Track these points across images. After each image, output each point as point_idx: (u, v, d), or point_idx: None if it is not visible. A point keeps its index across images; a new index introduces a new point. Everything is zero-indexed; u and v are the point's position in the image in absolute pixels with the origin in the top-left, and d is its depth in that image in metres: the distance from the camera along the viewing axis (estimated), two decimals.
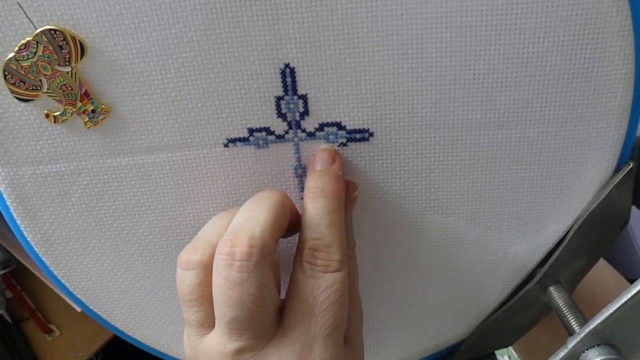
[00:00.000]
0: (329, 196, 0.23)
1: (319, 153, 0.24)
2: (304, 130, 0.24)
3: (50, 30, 0.21)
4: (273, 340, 0.21)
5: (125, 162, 0.24)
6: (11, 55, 0.22)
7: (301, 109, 0.23)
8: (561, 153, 0.24)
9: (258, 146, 0.24)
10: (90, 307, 0.28)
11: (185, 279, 0.22)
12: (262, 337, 0.21)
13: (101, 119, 0.23)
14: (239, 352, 0.21)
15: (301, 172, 0.25)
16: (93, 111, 0.23)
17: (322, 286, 0.21)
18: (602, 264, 0.27)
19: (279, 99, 0.23)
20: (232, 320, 0.20)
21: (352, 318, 0.24)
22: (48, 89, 0.22)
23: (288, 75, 0.23)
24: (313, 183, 0.23)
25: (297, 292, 0.22)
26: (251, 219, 0.21)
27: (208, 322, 0.22)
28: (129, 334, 0.29)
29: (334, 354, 0.22)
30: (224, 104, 0.23)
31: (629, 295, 0.21)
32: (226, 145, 0.24)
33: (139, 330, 0.29)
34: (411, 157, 0.24)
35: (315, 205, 0.22)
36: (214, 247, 0.21)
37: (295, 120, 0.24)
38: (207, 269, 0.21)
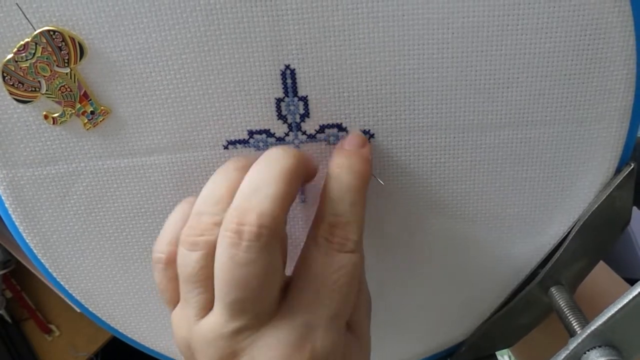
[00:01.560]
0: (356, 175, 0.21)
1: (349, 136, 0.23)
2: (304, 133, 0.24)
3: (49, 31, 0.21)
4: (274, 318, 0.20)
5: (125, 164, 0.24)
6: (10, 56, 0.21)
7: (302, 111, 0.23)
8: (562, 154, 0.24)
9: (258, 148, 0.24)
10: (90, 308, 0.28)
11: (191, 260, 0.20)
12: (263, 316, 0.20)
13: (100, 121, 0.23)
14: (237, 332, 0.20)
15: None
16: (92, 112, 0.23)
17: (334, 266, 0.20)
18: (599, 265, 0.27)
19: (279, 100, 0.23)
20: (235, 301, 0.19)
21: (358, 305, 0.22)
22: (47, 91, 0.22)
23: (288, 76, 0.23)
24: (340, 159, 0.21)
25: (308, 268, 0.20)
26: (260, 190, 0.19)
27: (209, 304, 0.21)
28: (128, 335, 0.29)
29: (335, 339, 0.20)
30: (224, 106, 0.23)
31: (630, 297, 0.21)
32: (226, 147, 0.24)
33: (139, 331, 0.29)
34: (412, 158, 0.24)
35: (340, 181, 0.21)
36: (219, 223, 0.20)
37: (296, 122, 0.24)
38: (213, 249, 0.20)
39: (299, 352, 0.20)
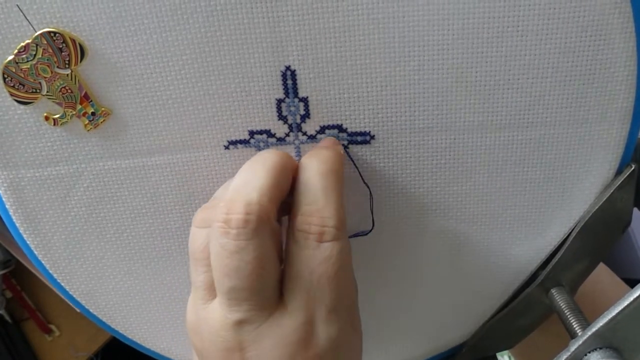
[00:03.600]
0: (323, 160, 0.21)
1: (322, 140, 0.24)
2: (304, 133, 0.24)
3: (49, 32, 0.21)
4: (274, 314, 0.20)
5: (126, 165, 0.24)
6: (10, 57, 0.21)
7: (302, 112, 0.23)
8: (563, 155, 0.24)
9: (259, 148, 0.24)
10: (90, 309, 0.28)
11: (197, 237, 0.21)
12: (262, 309, 0.20)
13: (101, 122, 0.23)
14: (240, 323, 0.20)
15: None
16: (93, 114, 0.23)
17: (317, 258, 0.20)
18: (600, 266, 0.27)
19: (279, 101, 0.23)
20: (231, 290, 0.19)
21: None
22: (48, 92, 0.22)
23: (289, 77, 0.23)
24: (308, 154, 0.22)
25: (292, 264, 0.20)
26: (249, 183, 0.20)
27: (212, 286, 0.21)
28: (129, 336, 0.29)
29: (340, 333, 0.20)
30: (224, 106, 0.23)
31: (631, 298, 0.21)
32: (227, 148, 0.24)
33: (139, 333, 0.29)
34: (413, 159, 0.24)
35: (309, 170, 0.21)
36: None
37: (296, 123, 0.24)
38: None
39: (304, 351, 0.20)
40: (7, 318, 0.75)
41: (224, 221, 0.19)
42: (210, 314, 0.20)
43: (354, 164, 0.24)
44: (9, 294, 0.75)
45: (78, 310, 0.29)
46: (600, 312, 0.21)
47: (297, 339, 0.20)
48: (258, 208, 0.19)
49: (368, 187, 0.25)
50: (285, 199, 0.21)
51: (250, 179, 0.20)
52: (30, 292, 0.76)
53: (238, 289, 0.19)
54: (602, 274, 0.34)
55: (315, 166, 0.21)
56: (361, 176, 0.25)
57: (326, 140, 0.24)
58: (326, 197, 0.20)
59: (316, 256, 0.20)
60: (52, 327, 0.76)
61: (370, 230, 0.25)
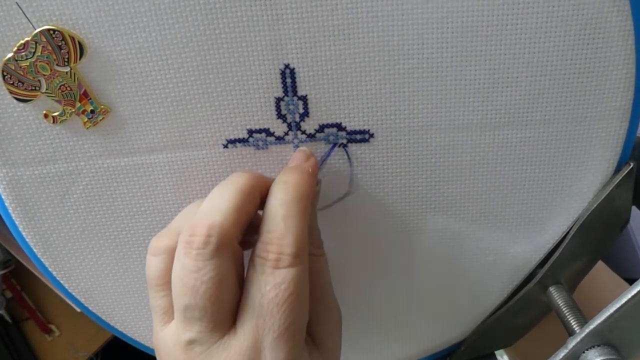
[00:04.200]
0: (288, 188, 0.21)
1: (294, 154, 0.24)
2: (303, 132, 0.24)
3: (49, 30, 0.21)
4: (224, 337, 0.21)
5: (125, 163, 0.24)
6: (10, 55, 0.22)
7: (301, 110, 0.23)
8: (562, 153, 0.24)
9: (258, 147, 0.24)
10: (90, 307, 0.28)
11: (153, 264, 0.22)
12: (214, 330, 0.20)
13: (100, 120, 0.23)
14: (191, 343, 0.20)
15: None
16: (92, 111, 0.23)
17: (270, 283, 0.20)
18: (598, 264, 0.27)
19: (278, 100, 0.23)
20: (186, 308, 0.20)
21: (322, 318, 0.23)
22: (47, 89, 0.22)
23: (288, 76, 0.23)
24: (278, 178, 0.22)
25: (247, 289, 0.21)
26: (214, 206, 0.21)
27: (169, 310, 0.22)
28: (128, 334, 0.29)
29: (287, 357, 0.20)
30: (223, 105, 0.23)
31: (629, 296, 0.21)
32: (226, 146, 0.24)
33: (138, 331, 0.29)
34: (412, 157, 0.24)
35: (274, 197, 0.21)
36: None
37: (295, 122, 0.24)
38: (173, 255, 0.21)
39: None
40: (7, 318, 0.74)
41: (186, 242, 0.20)
42: (167, 334, 0.22)
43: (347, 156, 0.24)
44: (9, 294, 0.75)
45: (78, 310, 0.29)
46: (598, 311, 0.21)
47: None
48: (219, 231, 0.20)
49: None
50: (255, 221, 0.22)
51: (216, 203, 0.21)
52: (30, 292, 0.76)
53: (193, 307, 0.20)
54: (601, 272, 0.34)
55: (279, 194, 0.21)
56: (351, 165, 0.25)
57: (297, 156, 0.24)
58: (286, 225, 0.21)
59: (269, 281, 0.20)
60: (52, 327, 0.76)
61: (347, 193, 0.25)
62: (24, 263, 0.68)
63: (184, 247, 0.20)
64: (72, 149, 0.24)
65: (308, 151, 0.24)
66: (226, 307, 0.21)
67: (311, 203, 0.22)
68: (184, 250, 0.20)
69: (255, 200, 0.22)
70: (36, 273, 0.69)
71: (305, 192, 0.22)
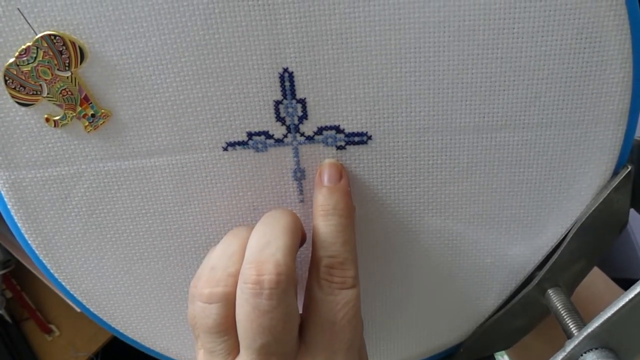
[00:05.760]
0: (341, 214, 0.23)
1: (326, 168, 0.24)
2: (302, 134, 0.24)
3: (50, 35, 0.21)
4: (298, 356, 0.22)
5: (125, 166, 0.24)
6: (11, 60, 0.22)
7: (300, 113, 0.24)
8: (559, 156, 0.24)
9: (257, 150, 0.24)
10: (91, 309, 0.28)
11: (211, 312, 0.22)
12: (288, 356, 0.22)
13: (101, 123, 0.23)
14: None
15: (300, 176, 0.25)
16: (93, 115, 0.23)
17: (340, 303, 0.22)
18: (594, 269, 0.27)
19: (277, 103, 0.23)
20: (262, 346, 0.21)
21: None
22: (48, 94, 0.22)
23: (287, 79, 0.23)
24: (323, 200, 0.23)
25: (316, 309, 0.22)
26: (271, 244, 0.21)
27: (235, 350, 0.22)
28: (129, 336, 0.29)
29: None
30: (223, 108, 0.23)
31: (627, 299, 0.21)
32: (225, 149, 0.24)
33: (139, 332, 0.29)
34: (409, 160, 0.25)
35: (329, 224, 0.23)
36: (234, 276, 0.22)
37: (294, 124, 0.24)
38: (231, 300, 0.22)
39: None
40: (7, 318, 0.75)
41: (256, 282, 0.20)
42: None
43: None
44: (9, 294, 0.75)
45: (78, 310, 0.29)
46: (595, 314, 0.21)
47: None
48: (286, 269, 0.21)
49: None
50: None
51: (271, 240, 0.22)
52: (30, 292, 0.76)
53: (270, 344, 0.21)
54: (598, 276, 0.34)
55: (336, 222, 0.23)
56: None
57: (331, 173, 0.24)
58: (346, 250, 0.23)
59: (339, 301, 0.22)
60: (52, 327, 0.76)
61: None
62: (24, 263, 0.68)
63: (252, 288, 0.20)
64: (73, 152, 0.24)
65: (340, 166, 0.24)
66: (296, 332, 0.22)
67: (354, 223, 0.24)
68: (252, 291, 0.20)
69: (300, 235, 0.23)
70: (36, 273, 0.69)
71: (352, 215, 0.24)
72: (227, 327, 0.22)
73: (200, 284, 0.22)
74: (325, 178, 0.24)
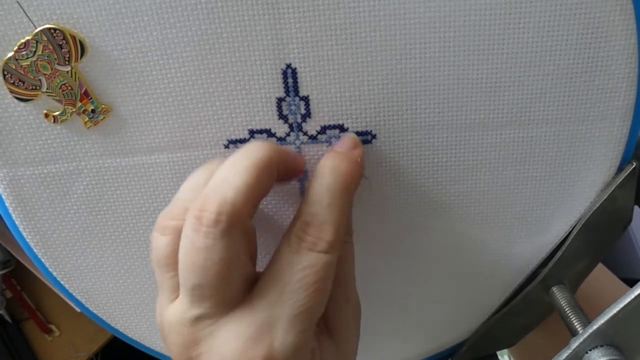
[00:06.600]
0: (337, 175, 0.21)
1: (342, 137, 0.23)
2: (305, 133, 0.24)
3: (50, 29, 0.21)
4: (236, 308, 0.20)
5: (125, 163, 0.24)
6: (10, 54, 0.21)
7: (303, 111, 0.23)
8: (564, 153, 0.24)
9: None
10: (90, 308, 0.28)
11: (161, 243, 0.21)
12: (224, 305, 0.20)
13: (101, 119, 0.23)
14: (198, 319, 0.20)
15: (302, 176, 0.25)
16: (93, 111, 0.23)
17: (302, 264, 0.20)
18: (598, 267, 0.27)
19: (280, 100, 0.23)
20: (195, 287, 0.19)
21: (339, 307, 0.22)
22: (47, 89, 0.22)
23: (289, 75, 0.22)
24: (325, 161, 0.22)
25: (276, 264, 0.20)
26: (227, 180, 0.20)
27: (178, 289, 0.21)
28: (129, 335, 0.29)
29: (296, 340, 0.20)
30: (224, 105, 0.23)
31: (632, 296, 0.21)
32: (227, 147, 0.24)
33: (139, 331, 0.29)
34: (414, 158, 0.24)
35: (320, 182, 0.21)
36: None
37: (297, 123, 0.24)
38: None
39: (255, 347, 0.20)
40: (7, 318, 0.74)
41: (196, 217, 0.19)
42: (171, 311, 0.21)
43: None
44: (9, 294, 0.75)
45: (78, 310, 0.29)
46: (599, 312, 0.21)
47: (251, 334, 0.20)
48: (230, 209, 0.19)
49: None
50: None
51: (230, 176, 0.20)
52: (30, 292, 0.76)
53: (202, 286, 0.19)
54: (601, 273, 0.34)
55: (327, 179, 0.21)
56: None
57: (345, 141, 0.23)
58: (329, 213, 0.21)
59: (301, 261, 0.20)
60: (52, 327, 0.76)
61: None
62: (24, 263, 0.68)
63: (193, 223, 0.19)
64: (72, 148, 0.24)
65: (357, 139, 0.23)
66: (238, 285, 0.20)
67: (354, 194, 0.22)
68: (192, 226, 0.19)
69: (272, 176, 0.21)
70: (36, 273, 0.69)
71: (353, 182, 0.21)
72: (174, 262, 0.20)
73: (161, 213, 0.21)
74: (338, 145, 0.23)
